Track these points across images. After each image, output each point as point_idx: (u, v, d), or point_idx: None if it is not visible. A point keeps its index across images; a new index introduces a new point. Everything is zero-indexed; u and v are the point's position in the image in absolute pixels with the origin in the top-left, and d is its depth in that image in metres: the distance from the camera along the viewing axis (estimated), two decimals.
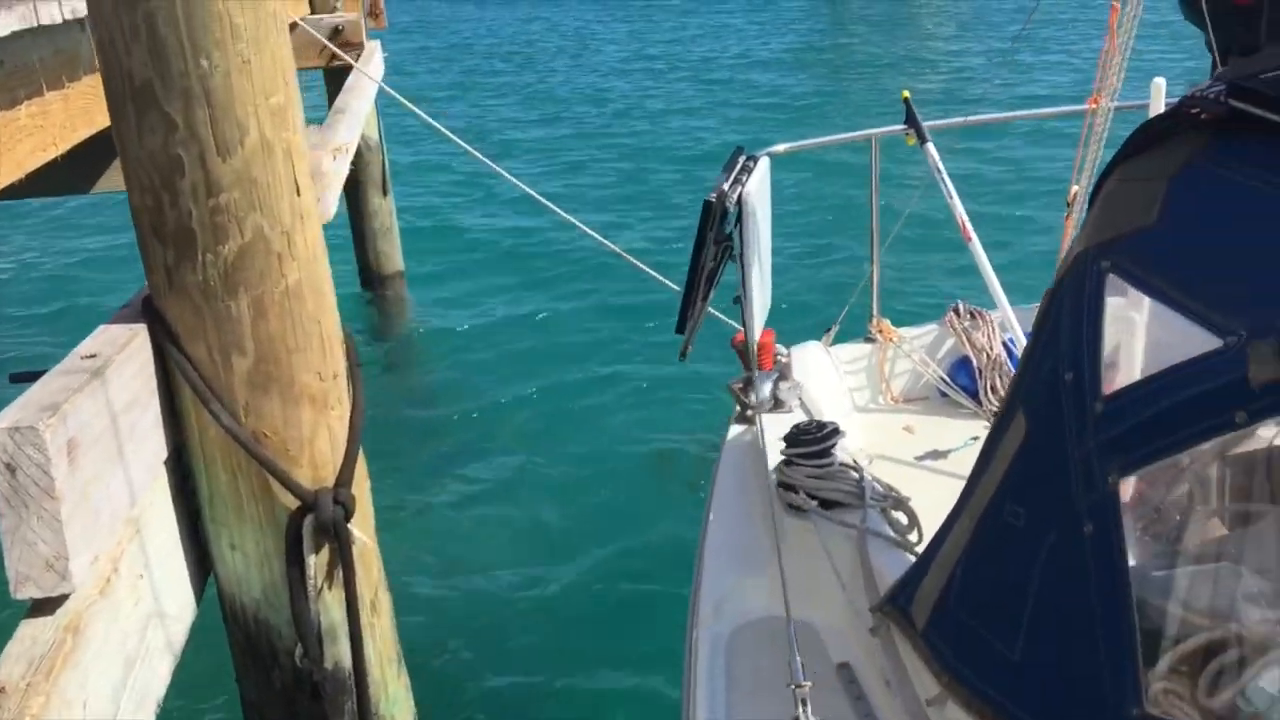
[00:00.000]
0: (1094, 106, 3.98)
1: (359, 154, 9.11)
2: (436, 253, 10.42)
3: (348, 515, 2.72)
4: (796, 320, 5.57)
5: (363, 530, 2.86)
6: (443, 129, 5.89)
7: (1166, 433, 1.65)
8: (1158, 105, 3.77)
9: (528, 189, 5.57)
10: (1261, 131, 1.78)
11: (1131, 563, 1.79)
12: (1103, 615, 1.72)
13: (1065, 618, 1.80)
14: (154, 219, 2.50)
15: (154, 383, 2.58)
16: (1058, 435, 1.81)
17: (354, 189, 9.29)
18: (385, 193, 9.37)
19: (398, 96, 5.99)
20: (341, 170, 5.82)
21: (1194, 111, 1.92)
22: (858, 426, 4.17)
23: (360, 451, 2.84)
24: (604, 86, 21.09)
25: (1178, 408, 1.60)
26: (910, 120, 4.39)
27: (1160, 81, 3.85)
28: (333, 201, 5.36)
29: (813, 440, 3.22)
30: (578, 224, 5.28)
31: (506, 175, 5.80)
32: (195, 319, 2.55)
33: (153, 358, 2.58)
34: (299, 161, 2.59)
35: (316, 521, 2.68)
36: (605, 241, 5.35)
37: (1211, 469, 2.08)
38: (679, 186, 12.56)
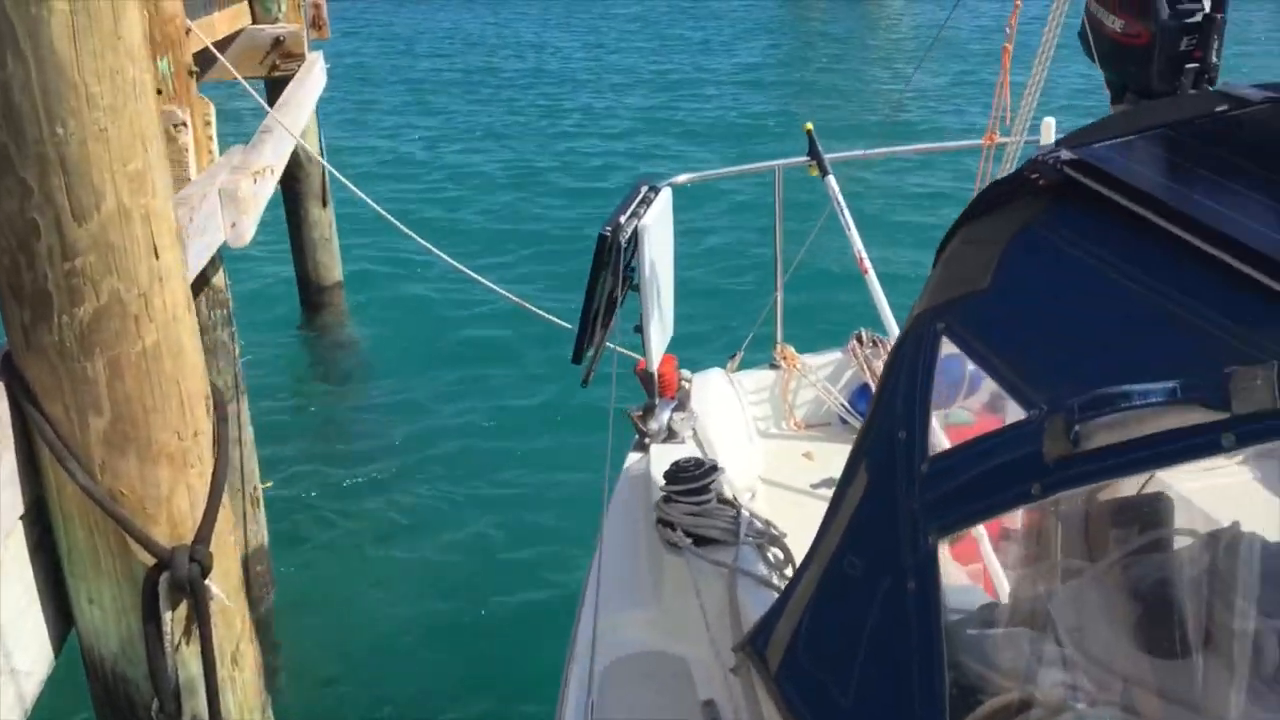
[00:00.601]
0: (989, 143, 4.05)
1: (298, 165, 9.09)
2: (377, 264, 10.39)
3: (204, 572, 2.75)
4: (704, 347, 5.61)
5: (225, 584, 2.89)
6: (378, 207, 6.03)
7: (976, 499, 1.68)
8: (1047, 143, 3.82)
9: (456, 264, 5.67)
10: (1093, 202, 1.77)
11: (955, 617, 1.84)
12: (919, 671, 1.76)
13: (889, 671, 1.84)
14: (12, 279, 2.53)
15: (10, 438, 2.60)
16: (891, 491, 1.84)
17: (292, 200, 9.26)
18: (325, 204, 9.34)
19: (307, 151, 6.02)
20: (263, 193, 5.82)
21: (1034, 177, 1.91)
22: (759, 453, 4.20)
23: (223, 508, 2.87)
24: (553, 96, 20.99)
25: (987, 475, 1.61)
26: (812, 152, 4.42)
27: (1050, 120, 3.90)
28: (249, 226, 5.37)
29: (691, 477, 3.25)
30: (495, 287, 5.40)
31: (442, 255, 5.96)
32: (52, 378, 2.58)
33: (10, 414, 2.60)
34: (158, 225, 2.62)
35: (172, 578, 2.71)
36: (508, 295, 5.43)
37: (1049, 522, 2.10)
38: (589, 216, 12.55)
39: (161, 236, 2.64)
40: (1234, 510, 2.16)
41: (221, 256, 5.59)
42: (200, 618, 2.77)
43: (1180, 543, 1.99)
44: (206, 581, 2.77)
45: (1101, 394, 1.36)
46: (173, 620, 2.76)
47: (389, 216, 6.56)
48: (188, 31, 5.52)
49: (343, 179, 6.70)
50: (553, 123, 18.25)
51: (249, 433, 5.84)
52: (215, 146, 5.73)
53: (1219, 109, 1.96)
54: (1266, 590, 1.74)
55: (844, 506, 2.01)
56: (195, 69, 5.53)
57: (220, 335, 5.63)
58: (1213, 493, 2.28)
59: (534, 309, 5.66)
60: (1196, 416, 1.28)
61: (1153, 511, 2.01)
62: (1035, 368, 1.64)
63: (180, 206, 4.67)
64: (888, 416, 1.91)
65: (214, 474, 2.85)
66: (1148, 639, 1.76)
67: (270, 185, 6.16)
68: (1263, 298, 1.40)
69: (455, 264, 6.20)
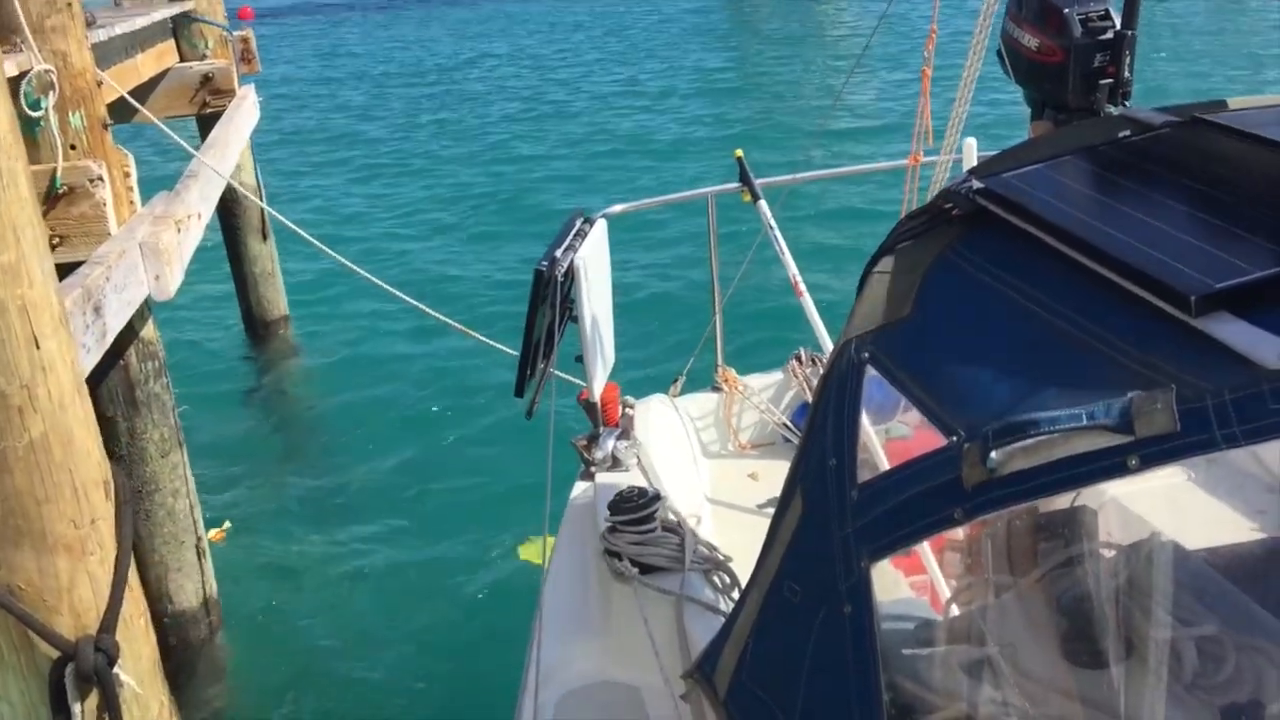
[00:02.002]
0: (914, 163, 4.09)
1: (235, 201, 9.00)
2: (323, 295, 10.30)
3: (111, 661, 2.70)
4: (647, 373, 5.61)
5: (137, 669, 2.84)
6: (317, 242, 5.95)
7: (904, 524, 1.70)
8: (970, 164, 3.81)
9: (400, 294, 5.63)
10: (1004, 230, 1.80)
11: (893, 636, 1.87)
12: (857, 694, 1.77)
13: (830, 694, 1.86)
14: None
15: None
16: (825, 517, 1.86)
17: (231, 236, 9.17)
18: (265, 238, 9.25)
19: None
20: (189, 241, 5.75)
21: (948, 206, 1.95)
22: (705, 475, 4.21)
23: (130, 591, 2.81)
24: (490, 117, 20.89)
25: (912, 501, 1.64)
26: (744, 178, 4.46)
27: (971, 141, 3.95)
28: (174, 277, 5.30)
29: (634, 506, 3.28)
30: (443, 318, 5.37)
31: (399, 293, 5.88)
32: None
33: None
34: (37, 315, 2.56)
35: (77, 670, 2.66)
36: (452, 323, 5.42)
37: (980, 538, 2.12)
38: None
39: (42, 326, 2.58)
40: (1169, 513, 2.25)
41: (150, 308, 5.52)
42: (110, 708, 2.72)
43: (1103, 555, 2.03)
44: (115, 670, 2.71)
45: (1013, 421, 1.42)
46: (83, 713, 2.71)
47: (329, 250, 6.53)
48: (99, 84, 5.43)
49: (279, 216, 6.67)
50: (490, 145, 18.21)
51: (190, 483, 5.78)
52: (137, 197, 5.65)
53: (1122, 134, 2.00)
54: (1182, 598, 1.80)
55: (781, 532, 2.03)
56: (109, 121, 5.44)
57: (153, 388, 5.56)
58: (1148, 495, 2.30)
59: (480, 336, 5.66)
60: (1103, 440, 1.33)
61: (1076, 525, 2.03)
62: (953, 395, 1.66)
63: (96, 266, 4.63)
64: (819, 444, 1.94)
65: (117, 559, 2.80)
66: (1073, 651, 1.81)
67: (197, 231, 6.08)
68: (1161, 322, 1.44)
69: (399, 294, 6.20)
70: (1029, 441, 1.40)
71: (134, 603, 2.86)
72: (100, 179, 5.01)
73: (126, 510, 2.86)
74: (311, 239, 6.61)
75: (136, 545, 5.65)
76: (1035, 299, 1.66)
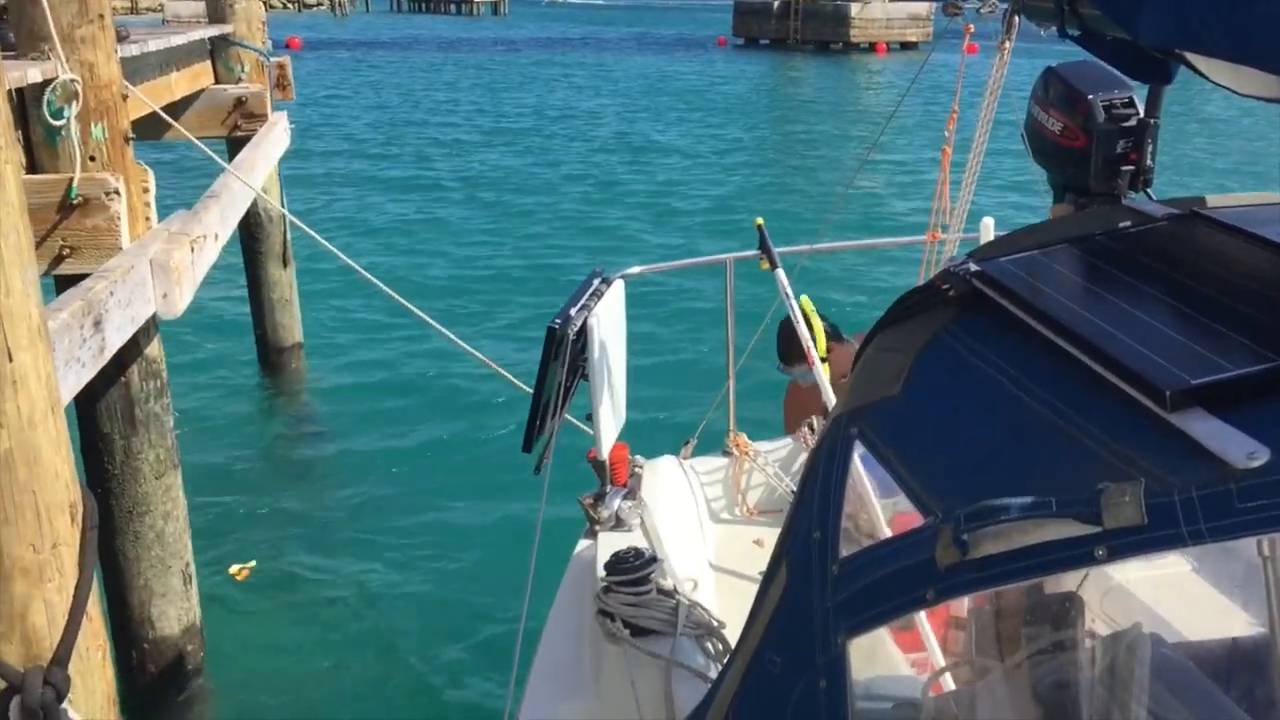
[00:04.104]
0: (931, 240, 4.12)
1: (258, 226, 8.98)
2: (338, 325, 10.24)
3: (59, 695, 2.55)
4: (660, 433, 5.55)
5: (89, 706, 2.69)
6: (347, 258, 5.91)
7: (881, 602, 1.70)
8: (987, 241, 3.85)
9: (425, 317, 5.58)
10: (997, 314, 1.81)
11: (874, 715, 1.89)
12: None
13: None
14: None
15: None
16: (808, 590, 1.86)
17: (253, 261, 9.14)
18: (285, 264, 9.21)
19: (268, 211, 5.96)
20: (202, 261, 5.66)
21: (945, 287, 1.95)
22: (710, 539, 4.22)
23: (89, 621, 2.67)
24: (513, 165, 21.09)
25: (889, 579, 1.64)
26: (763, 246, 4.48)
27: (989, 220, 4.00)
28: (183, 296, 5.21)
29: (630, 568, 3.27)
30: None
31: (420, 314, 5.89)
32: None
33: None
34: (12, 325, 2.45)
35: (23, 704, 2.51)
36: (476, 353, 5.35)
37: (967, 619, 2.15)
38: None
39: (17, 337, 2.46)
40: (1169, 601, 2.34)
41: (157, 326, 5.43)
42: None
43: (1085, 643, 2.07)
44: (64, 706, 2.56)
45: (985, 506, 1.43)
46: None
47: (358, 268, 6.45)
48: (125, 97, 5.39)
49: (310, 231, 6.54)
50: (522, 184, 18.32)
51: (183, 506, 5.65)
52: (154, 213, 5.60)
53: (1122, 224, 2.03)
54: (1158, 691, 1.83)
55: (766, 602, 2.04)
56: (132, 135, 5.40)
57: (153, 408, 5.46)
58: (1152, 583, 2.42)
59: (499, 368, 5.61)
60: (1072, 530, 1.35)
61: (1062, 611, 2.06)
62: (932, 475, 1.68)
63: (101, 279, 4.54)
64: (806, 516, 1.95)
65: (77, 587, 2.66)
66: None
67: (213, 252, 6.01)
68: (1137, 414, 1.44)
69: (424, 317, 6.06)
70: (1000, 526, 1.42)
71: (92, 635, 2.72)
72: (116, 192, 4.94)
73: (92, 536, 2.73)
74: (334, 249, 6.52)
75: (121, 568, 5.58)
76: (1021, 384, 1.67)
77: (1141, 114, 2.96)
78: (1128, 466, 1.38)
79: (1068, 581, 2.04)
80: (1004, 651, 2.07)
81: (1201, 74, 2.08)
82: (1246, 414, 1.35)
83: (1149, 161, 2.97)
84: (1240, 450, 1.28)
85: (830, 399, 4.20)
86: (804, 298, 4.62)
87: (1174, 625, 2.37)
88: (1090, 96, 2.98)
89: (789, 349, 4.49)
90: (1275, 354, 1.45)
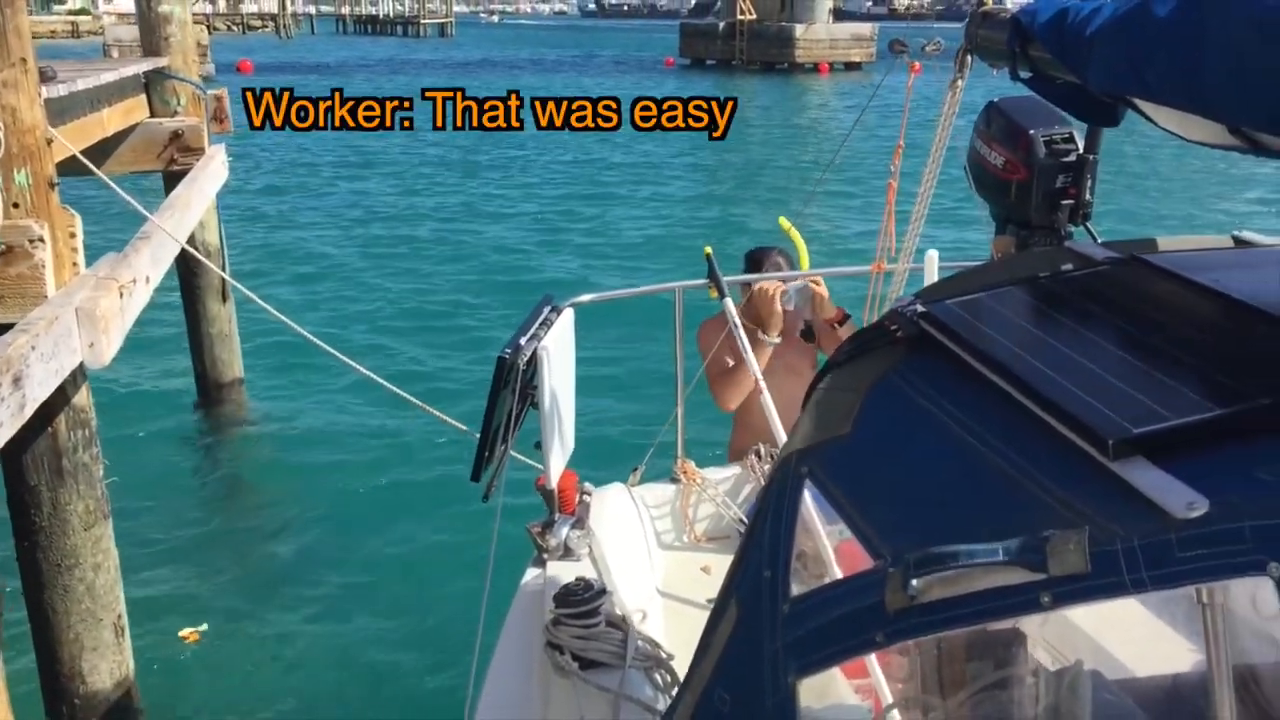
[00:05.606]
0: (877, 270, 4.16)
1: (196, 261, 8.83)
2: (279, 359, 10.08)
3: None
4: (608, 461, 5.53)
5: None
6: (280, 314, 5.81)
7: (830, 643, 1.70)
8: (931, 275, 3.90)
9: (359, 367, 5.50)
10: (943, 356, 1.83)
11: None
12: None
13: None
14: None
15: None
16: (757, 629, 1.85)
17: (190, 296, 8.99)
18: (224, 299, 9.07)
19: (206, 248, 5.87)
20: (132, 306, 5.54)
21: (893, 327, 1.96)
22: (658, 566, 4.25)
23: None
24: (461, 192, 20.92)
25: (838, 621, 1.65)
26: (712, 275, 4.52)
27: (933, 253, 4.02)
28: (111, 344, 5.09)
29: (579, 600, 3.27)
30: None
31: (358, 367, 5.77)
32: None
33: None
34: None
35: None
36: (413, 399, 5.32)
37: (913, 656, 2.17)
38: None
39: None
40: (1113, 632, 2.37)
41: (84, 374, 5.31)
42: None
43: (1027, 680, 2.08)
44: None
45: (934, 552, 1.45)
46: None
47: (288, 320, 6.37)
48: (50, 142, 5.28)
49: (239, 285, 6.53)
50: (460, 220, 18.23)
51: (114, 558, 5.53)
52: (81, 258, 5.48)
53: (1065, 267, 2.05)
54: None
55: (716, 638, 2.04)
56: (56, 180, 5.29)
57: (81, 457, 5.34)
58: (1094, 614, 2.36)
59: (436, 412, 5.65)
60: (1018, 576, 1.37)
61: (1005, 648, 2.08)
62: (881, 518, 1.69)
63: (22, 334, 4.42)
64: (757, 554, 1.95)
65: None
66: None
67: (143, 295, 5.89)
68: (1081, 461, 1.46)
69: (359, 368, 6.06)
70: (948, 573, 1.44)
71: None
72: (41, 240, 4.84)
73: None
74: (269, 308, 6.44)
75: (50, 622, 5.43)
76: (968, 427, 1.69)
77: (1080, 150, 3.03)
78: (1072, 514, 1.40)
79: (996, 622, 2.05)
80: (946, 690, 2.09)
81: (1149, 119, 2.12)
82: (1186, 463, 1.37)
83: (1088, 196, 3.05)
84: (1180, 500, 1.30)
85: (776, 428, 4.16)
86: (781, 218, 4.73)
87: (1116, 657, 2.40)
88: (1031, 131, 3.06)
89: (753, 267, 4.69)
90: (1214, 403, 1.47)
